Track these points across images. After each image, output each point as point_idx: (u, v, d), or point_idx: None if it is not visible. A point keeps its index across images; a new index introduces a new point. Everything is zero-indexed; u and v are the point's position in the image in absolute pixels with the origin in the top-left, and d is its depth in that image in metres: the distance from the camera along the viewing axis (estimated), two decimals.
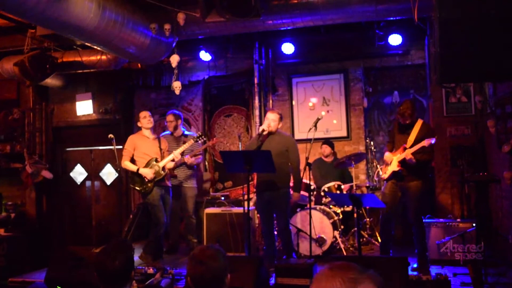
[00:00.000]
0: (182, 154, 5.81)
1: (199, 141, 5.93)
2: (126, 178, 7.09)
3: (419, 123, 4.82)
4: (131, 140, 5.72)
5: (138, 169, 5.51)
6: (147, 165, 5.55)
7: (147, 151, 5.63)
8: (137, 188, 5.59)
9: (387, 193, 4.89)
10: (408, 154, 4.63)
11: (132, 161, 5.65)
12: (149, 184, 5.51)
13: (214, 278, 2.07)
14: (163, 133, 6.38)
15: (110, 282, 2.36)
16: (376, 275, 1.48)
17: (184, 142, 6.18)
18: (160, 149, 5.70)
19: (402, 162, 4.73)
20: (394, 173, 4.81)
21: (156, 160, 5.59)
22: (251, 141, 5.36)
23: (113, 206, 7.98)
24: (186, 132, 6.43)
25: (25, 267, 6.01)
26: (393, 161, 4.82)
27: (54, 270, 4.16)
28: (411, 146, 4.68)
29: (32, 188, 7.66)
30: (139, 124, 5.79)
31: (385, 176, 4.90)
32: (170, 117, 6.29)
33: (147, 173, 5.49)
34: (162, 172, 5.54)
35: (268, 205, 5.08)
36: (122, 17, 5.20)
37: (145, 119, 5.71)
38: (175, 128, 6.26)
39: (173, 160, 5.67)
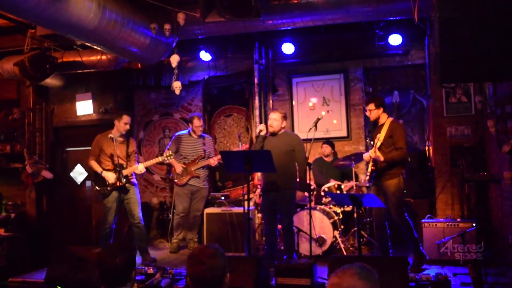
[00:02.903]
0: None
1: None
2: None
3: (388, 122, 4.86)
4: (97, 141, 5.63)
5: (102, 172, 5.49)
6: (113, 169, 5.51)
7: (112, 153, 5.53)
8: (96, 188, 5.56)
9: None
10: (372, 152, 4.69)
11: (99, 161, 5.60)
12: (108, 188, 5.49)
13: (214, 278, 2.07)
14: (179, 132, 6.38)
15: (110, 280, 2.36)
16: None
17: (204, 144, 6.27)
18: (127, 153, 5.62)
19: (374, 162, 4.77)
20: (371, 174, 4.84)
21: (122, 167, 5.51)
22: (254, 145, 5.35)
23: None
24: (202, 134, 6.41)
25: (25, 267, 6.01)
26: (370, 162, 4.87)
27: (54, 270, 4.16)
28: (380, 146, 4.73)
29: (32, 188, 7.65)
30: (116, 123, 5.58)
31: (367, 178, 4.91)
32: (201, 122, 6.25)
33: (109, 177, 5.46)
34: (124, 180, 5.48)
35: (273, 206, 5.08)
36: (122, 17, 5.20)
37: (126, 126, 5.55)
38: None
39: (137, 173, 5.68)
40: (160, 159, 5.80)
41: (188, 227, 6.33)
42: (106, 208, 5.57)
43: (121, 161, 5.56)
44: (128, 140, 5.72)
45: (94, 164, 5.57)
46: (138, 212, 5.55)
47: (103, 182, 5.53)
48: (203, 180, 6.28)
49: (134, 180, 5.67)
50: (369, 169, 4.83)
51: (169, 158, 5.75)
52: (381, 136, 4.75)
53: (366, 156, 4.97)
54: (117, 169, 5.49)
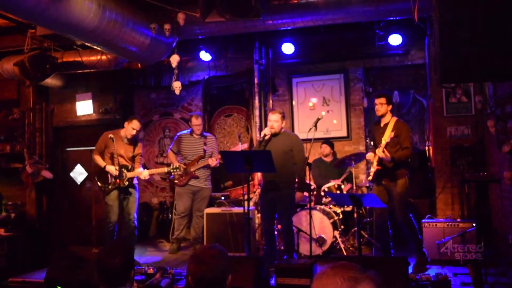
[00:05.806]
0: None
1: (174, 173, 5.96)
2: None
3: (393, 121, 4.82)
4: (104, 137, 5.61)
5: (105, 166, 5.51)
6: (118, 169, 5.48)
7: (115, 153, 5.48)
8: (99, 184, 5.60)
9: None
10: (379, 152, 4.62)
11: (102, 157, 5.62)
12: (109, 187, 5.50)
13: (215, 278, 2.06)
14: (181, 132, 6.35)
15: (110, 280, 2.36)
16: (376, 275, 1.47)
17: (205, 144, 6.21)
18: (133, 155, 5.63)
19: (379, 162, 4.73)
20: (376, 174, 4.81)
21: (127, 169, 5.53)
22: (255, 147, 5.34)
23: None
24: (204, 133, 6.39)
25: (25, 267, 6.00)
26: (373, 161, 4.83)
27: (54, 270, 4.15)
28: (385, 145, 4.69)
29: (32, 188, 7.65)
30: (125, 124, 5.60)
31: (370, 178, 4.87)
32: (199, 120, 6.19)
33: (112, 170, 5.46)
34: (126, 182, 5.49)
35: (271, 205, 5.08)
36: (122, 17, 5.20)
37: (133, 131, 5.52)
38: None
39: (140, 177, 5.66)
40: (166, 170, 5.84)
41: (192, 228, 6.29)
42: (107, 206, 5.58)
43: (125, 162, 5.55)
44: (135, 142, 5.71)
45: (98, 159, 5.58)
46: (134, 212, 5.60)
47: (105, 178, 5.53)
48: (204, 180, 6.23)
49: (135, 180, 5.69)
50: (373, 169, 4.79)
51: (175, 171, 5.80)
52: (386, 136, 4.69)
53: (370, 155, 4.91)
54: (121, 169, 5.47)
